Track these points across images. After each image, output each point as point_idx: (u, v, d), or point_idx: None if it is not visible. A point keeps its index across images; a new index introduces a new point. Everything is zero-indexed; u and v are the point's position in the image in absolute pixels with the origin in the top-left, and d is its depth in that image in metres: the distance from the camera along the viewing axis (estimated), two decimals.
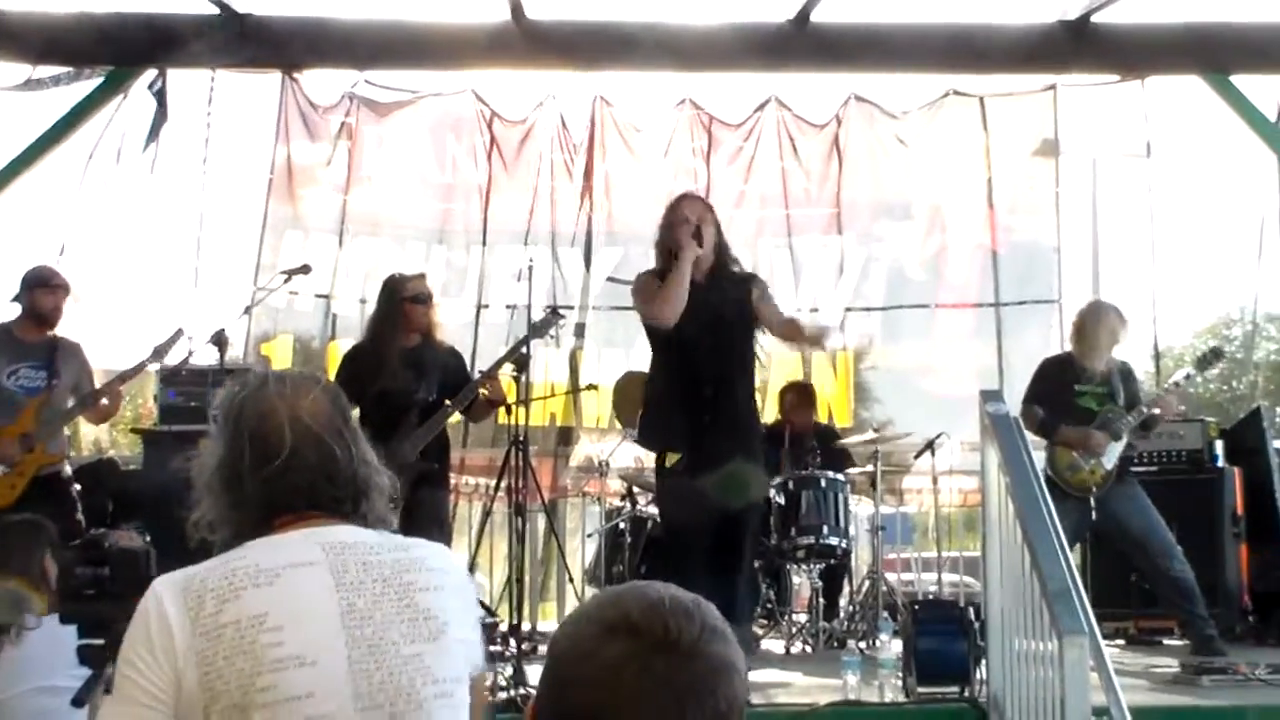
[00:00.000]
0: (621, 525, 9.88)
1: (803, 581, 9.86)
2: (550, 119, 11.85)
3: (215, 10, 10.31)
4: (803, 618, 9.81)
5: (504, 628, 8.02)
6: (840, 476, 9.34)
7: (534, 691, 1.95)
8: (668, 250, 7.30)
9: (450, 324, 9.03)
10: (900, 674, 6.80)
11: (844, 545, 9.30)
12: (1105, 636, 5.62)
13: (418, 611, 2.79)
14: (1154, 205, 11.91)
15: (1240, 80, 11.06)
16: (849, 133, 11.88)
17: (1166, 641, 9.41)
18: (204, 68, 11.01)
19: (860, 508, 10.39)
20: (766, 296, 7.55)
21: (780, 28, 10.65)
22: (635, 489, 10.05)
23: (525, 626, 8.44)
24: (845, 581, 10.10)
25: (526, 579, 8.50)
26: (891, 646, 7.01)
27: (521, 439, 8.16)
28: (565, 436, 11.45)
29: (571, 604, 10.43)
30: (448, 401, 8.04)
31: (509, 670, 6.86)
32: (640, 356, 9.09)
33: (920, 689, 6.59)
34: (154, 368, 8.03)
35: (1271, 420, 11.19)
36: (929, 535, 11.59)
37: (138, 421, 10.77)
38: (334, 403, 2.99)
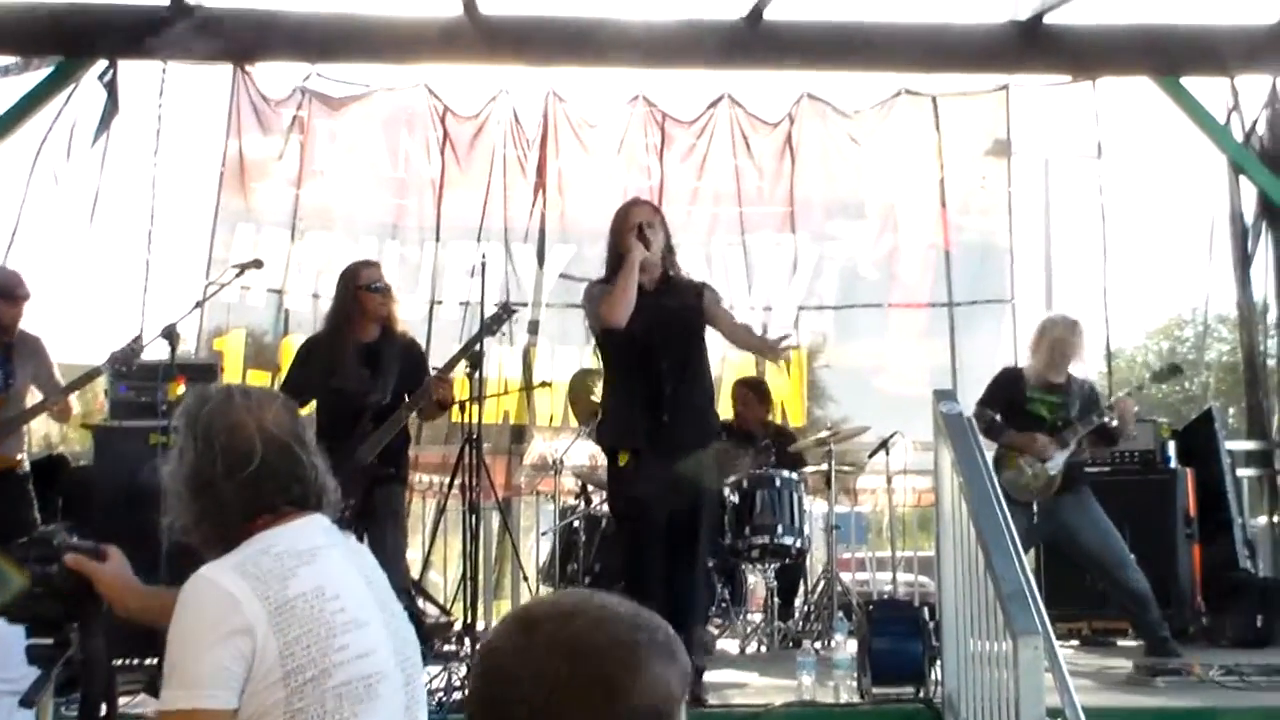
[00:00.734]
0: (576, 523, 9.86)
1: (758, 581, 9.87)
2: (503, 114, 11.81)
3: (166, 1, 10.23)
4: (758, 618, 9.83)
5: (458, 626, 7.97)
6: (794, 476, 9.35)
7: None
8: (618, 256, 7.28)
9: (404, 320, 8.98)
10: (855, 674, 6.80)
11: (799, 545, 9.30)
12: (1059, 637, 5.61)
13: (388, 584, 3.23)
14: (1105, 206, 11.96)
15: (1190, 82, 11.13)
16: (802, 131, 11.89)
17: (1120, 642, 9.45)
18: (155, 59, 10.93)
19: (815, 507, 10.39)
20: (719, 301, 7.56)
21: (733, 25, 10.66)
22: (589, 487, 10.03)
23: (479, 625, 8.39)
24: (800, 581, 10.10)
25: (480, 577, 8.47)
26: (847, 647, 6.98)
27: (475, 436, 8.11)
28: (519, 434, 11.41)
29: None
30: (406, 397, 7.98)
31: (463, 670, 6.82)
32: (594, 354, 9.06)
33: (875, 689, 6.60)
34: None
35: (1223, 421, 11.22)
36: (883, 535, 11.60)
37: (88, 416, 10.63)
38: (292, 415, 3.27)
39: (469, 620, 7.79)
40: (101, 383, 8.76)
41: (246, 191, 11.36)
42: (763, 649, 9.22)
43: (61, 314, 11.25)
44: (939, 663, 6.38)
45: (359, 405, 7.83)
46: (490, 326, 8.17)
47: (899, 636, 6.64)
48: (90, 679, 3.38)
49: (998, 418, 8.52)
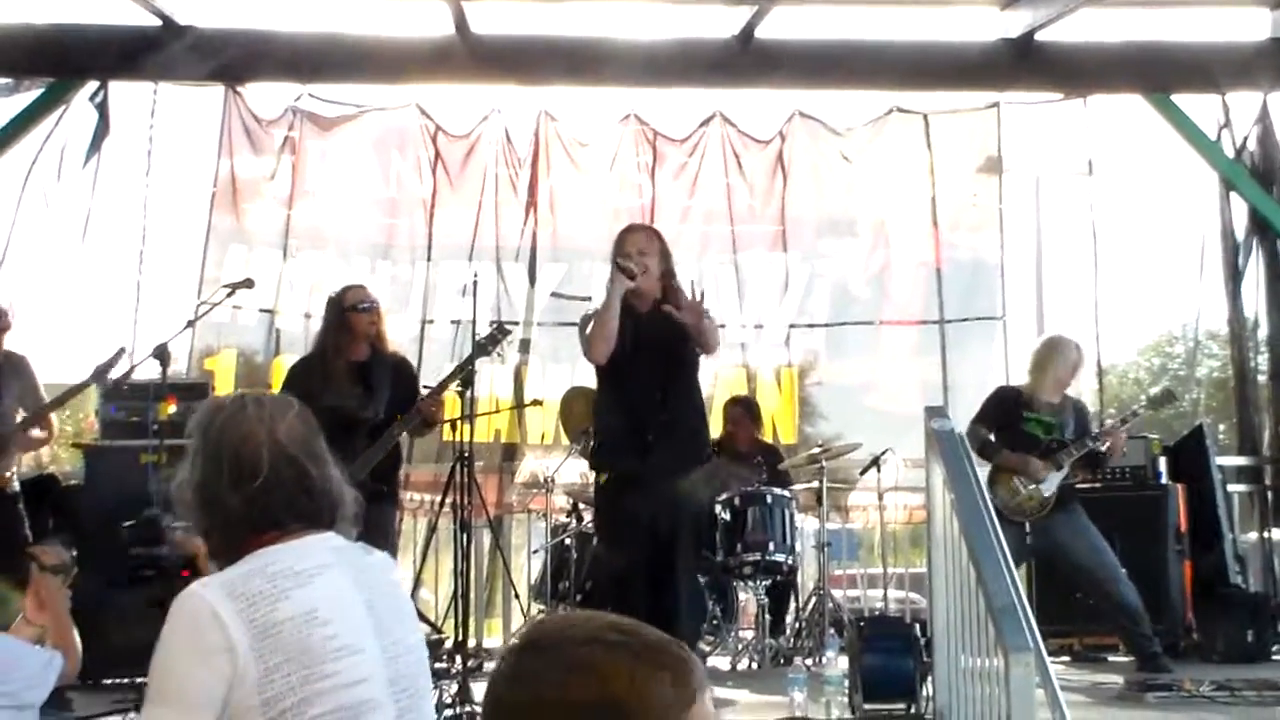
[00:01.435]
0: (567, 541, 9.89)
1: (749, 598, 9.86)
2: (495, 133, 11.81)
3: (158, 23, 10.24)
4: (749, 634, 9.82)
5: (449, 644, 7.96)
6: (786, 493, 9.36)
7: (479, 710, 1.97)
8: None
9: (395, 339, 8.99)
10: (847, 691, 6.79)
11: (790, 561, 9.30)
12: (1050, 653, 5.61)
13: (406, 604, 3.16)
14: (1096, 222, 11.97)
15: (1181, 99, 11.16)
16: (793, 149, 11.89)
17: (1111, 658, 9.45)
18: (146, 80, 10.93)
19: (806, 524, 10.39)
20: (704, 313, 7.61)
21: (725, 43, 10.71)
22: (580, 505, 10.04)
23: (471, 643, 8.38)
24: (791, 598, 10.09)
25: (472, 595, 8.45)
26: (838, 663, 6.98)
27: (466, 455, 8.11)
28: (510, 452, 11.41)
29: (517, 620, 10.41)
30: (399, 417, 7.98)
31: (454, 687, 6.81)
32: (585, 372, 9.06)
33: (866, 706, 6.60)
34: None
35: (1214, 437, 11.24)
36: (875, 551, 11.60)
37: (79, 436, 10.64)
38: (307, 425, 3.18)
39: (460, 638, 7.78)
40: (93, 403, 8.75)
41: (238, 211, 11.36)
42: (754, 665, 9.21)
43: (53, 334, 11.24)
44: (930, 679, 6.38)
45: (353, 423, 7.83)
46: (485, 346, 8.17)
47: (890, 653, 6.65)
48: None
49: (991, 437, 8.56)
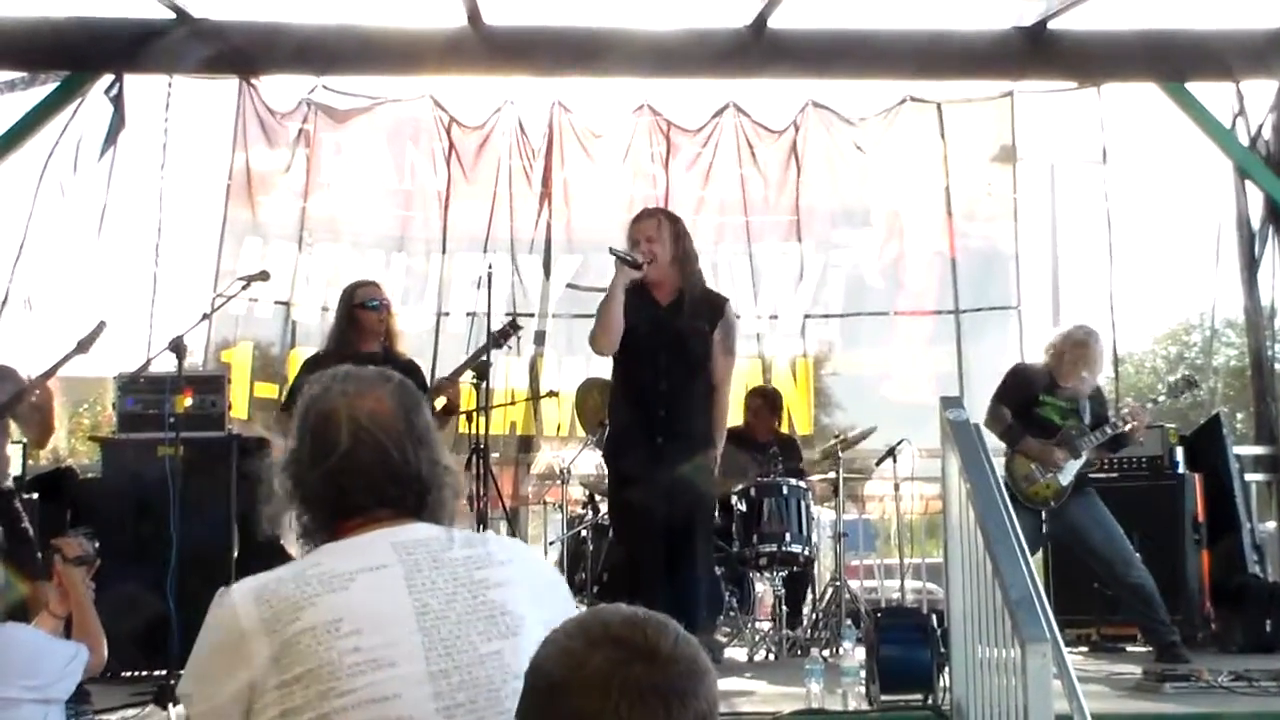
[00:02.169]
0: (583, 532, 9.89)
1: (766, 589, 9.86)
2: (509, 125, 11.83)
3: (172, 15, 10.25)
4: (766, 625, 9.82)
5: None
6: (802, 484, 9.34)
7: None
8: None
9: (411, 331, 9.00)
10: (863, 682, 6.78)
11: (807, 552, 9.28)
12: (1068, 643, 5.61)
13: (494, 608, 2.77)
14: (1111, 211, 11.96)
15: (1196, 87, 11.12)
16: (807, 139, 11.90)
17: (1129, 648, 9.42)
18: (161, 73, 10.94)
19: (823, 514, 10.38)
20: (726, 347, 7.60)
21: (738, 33, 10.67)
22: (597, 496, 10.04)
23: None
24: (808, 589, 10.08)
25: None
26: (855, 654, 6.97)
27: (482, 447, 8.12)
28: (526, 444, 11.44)
29: None
30: None
31: None
32: (600, 363, 9.06)
33: (884, 697, 6.58)
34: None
35: (1231, 426, 11.22)
36: (891, 542, 11.60)
37: (96, 429, 10.64)
38: (399, 403, 2.99)
39: None
40: (110, 396, 8.75)
41: (253, 204, 11.38)
42: (771, 656, 9.19)
43: (68, 327, 11.25)
44: (947, 670, 6.36)
45: None
46: (497, 340, 8.18)
47: (907, 644, 6.63)
48: None
49: (1012, 420, 8.55)
